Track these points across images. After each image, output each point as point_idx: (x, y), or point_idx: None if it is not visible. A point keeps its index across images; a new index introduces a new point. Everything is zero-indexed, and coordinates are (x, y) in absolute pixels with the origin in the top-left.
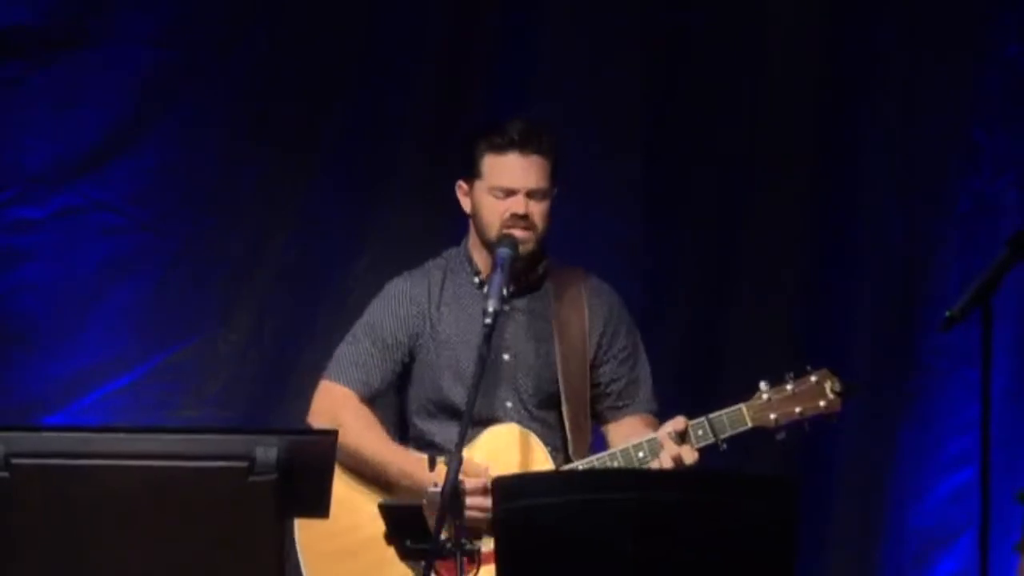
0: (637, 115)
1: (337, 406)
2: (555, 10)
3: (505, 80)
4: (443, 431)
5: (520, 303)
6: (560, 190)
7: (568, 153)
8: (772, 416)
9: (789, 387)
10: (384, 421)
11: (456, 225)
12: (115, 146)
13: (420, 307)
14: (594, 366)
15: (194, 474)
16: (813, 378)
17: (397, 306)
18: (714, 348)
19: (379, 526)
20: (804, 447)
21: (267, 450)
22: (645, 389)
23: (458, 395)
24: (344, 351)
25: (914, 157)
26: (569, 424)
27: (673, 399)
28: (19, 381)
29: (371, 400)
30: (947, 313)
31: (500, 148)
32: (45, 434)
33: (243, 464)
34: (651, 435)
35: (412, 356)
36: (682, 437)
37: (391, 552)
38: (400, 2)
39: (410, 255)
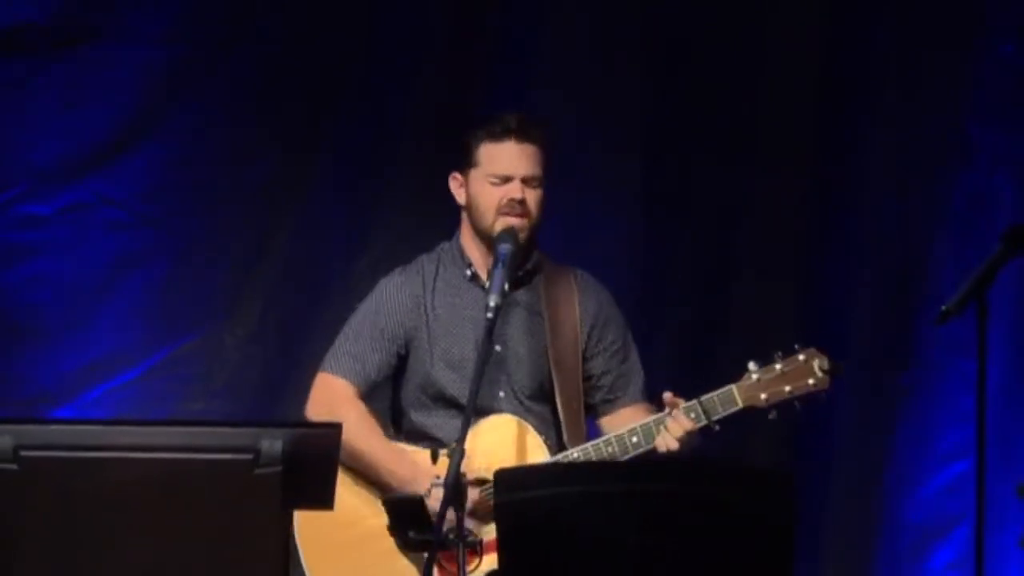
0: (637, 115)
1: (336, 400)
2: (555, 10)
3: (505, 80)
4: (437, 422)
5: (512, 295)
6: (561, 188)
7: (569, 152)
8: (763, 396)
9: (778, 367)
10: (379, 415)
11: (455, 223)
12: (122, 143)
13: (415, 300)
14: (585, 359)
15: (200, 466)
16: (801, 357)
17: (392, 300)
18: (713, 343)
19: (380, 519)
20: (801, 440)
21: (272, 443)
22: (637, 381)
23: (451, 385)
24: (341, 344)
25: (911, 154)
26: (563, 414)
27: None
28: (28, 374)
29: (368, 392)
30: (943, 307)
31: (497, 136)
32: (53, 427)
33: (248, 456)
34: (645, 420)
35: (407, 349)
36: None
37: (392, 544)
38: (401, 2)
39: (411, 252)
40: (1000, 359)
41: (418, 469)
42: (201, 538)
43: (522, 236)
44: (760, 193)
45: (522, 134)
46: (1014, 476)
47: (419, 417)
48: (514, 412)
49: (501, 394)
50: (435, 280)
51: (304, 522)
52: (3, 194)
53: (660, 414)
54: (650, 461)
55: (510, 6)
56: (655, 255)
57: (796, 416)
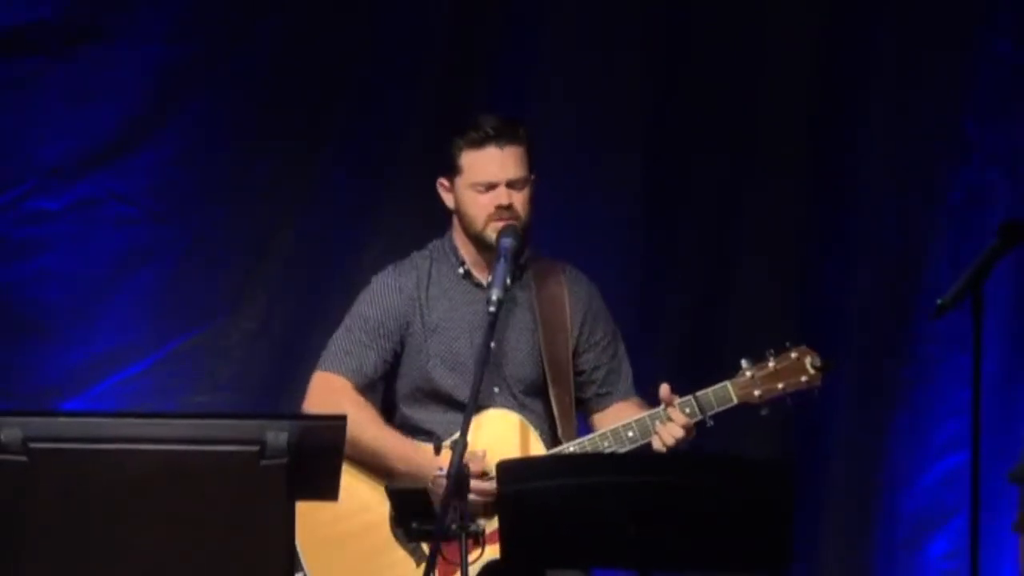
0: (637, 114)
1: (335, 395)
2: (555, 10)
3: (505, 80)
4: (432, 418)
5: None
6: (562, 186)
7: (569, 150)
8: (756, 392)
9: (771, 364)
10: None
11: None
12: (130, 139)
13: (409, 296)
14: (576, 354)
15: (207, 458)
16: (793, 354)
17: (387, 297)
18: (712, 336)
19: (378, 511)
20: (799, 433)
21: (278, 434)
22: (627, 376)
23: (446, 382)
24: (337, 342)
25: (908, 149)
26: (557, 409)
27: (673, 386)
28: (37, 367)
29: (365, 388)
30: (939, 301)
31: (477, 143)
32: (62, 419)
33: (254, 448)
34: (641, 415)
35: (402, 345)
36: (670, 412)
37: (390, 536)
38: (401, 2)
39: (414, 246)
40: (995, 353)
41: (422, 461)
42: (207, 529)
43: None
44: (759, 190)
45: (502, 138)
46: (1008, 468)
47: (412, 412)
48: (509, 407)
49: (496, 389)
50: (429, 277)
51: (301, 512)
52: (13, 190)
53: (656, 409)
54: (650, 453)
55: (510, 6)
56: (655, 252)
57: (788, 412)
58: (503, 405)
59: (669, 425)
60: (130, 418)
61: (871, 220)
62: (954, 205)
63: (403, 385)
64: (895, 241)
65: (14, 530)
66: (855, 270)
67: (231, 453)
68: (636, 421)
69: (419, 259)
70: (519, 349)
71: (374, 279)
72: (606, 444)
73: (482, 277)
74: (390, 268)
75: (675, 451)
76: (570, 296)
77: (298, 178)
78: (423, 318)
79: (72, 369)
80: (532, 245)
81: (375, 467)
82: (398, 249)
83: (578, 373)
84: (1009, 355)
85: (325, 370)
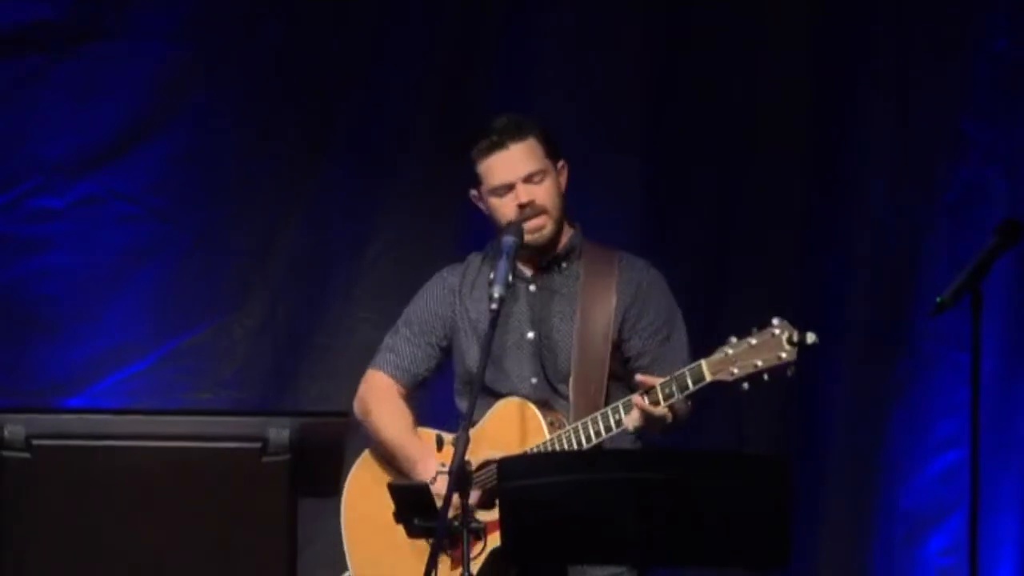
0: (637, 114)
1: (373, 394)
2: (555, 10)
3: (506, 78)
4: (478, 408)
5: (546, 281)
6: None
7: (569, 149)
8: (733, 370)
9: (753, 340)
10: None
11: (460, 217)
12: (133, 138)
13: (454, 294)
14: (622, 340)
15: (209, 454)
16: (775, 330)
17: (432, 293)
18: (712, 334)
19: None
20: (797, 430)
21: (279, 431)
22: (676, 364)
23: (486, 375)
24: (385, 340)
25: (906, 147)
26: (573, 396)
27: None
28: (40, 365)
29: (413, 385)
30: (938, 299)
31: (486, 151)
32: (65, 416)
33: (256, 445)
34: (627, 397)
35: (449, 340)
36: (648, 394)
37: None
38: (404, 2)
39: (415, 245)
40: (993, 350)
41: (425, 456)
42: (210, 525)
43: (543, 234)
44: (759, 189)
45: (508, 138)
46: (1006, 464)
47: (462, 404)
48: (545, 398)
49: (534, 380)
50: (477, 274)
51: (346, 513)
52: (16, 188)
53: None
54: (649, 451)
55: (511, 6)
56: (655, 252)
57: (761, 386)
58: (538, 396)
59: (633, 411)
60: (133, 415)
61: (870, 218)
62: (951, 203)
63: (455, 380)
64: (894, 239)
65: (17, 526)
66: (854, 268)
67: (233, 450)
68: (623, 403)
69: (473, 257)
70: (558, 339)
71: (429, 281)
72: (595, 428)
73: (525, 270)
74: (444, 268)
75: (650, 430)
76: (619, 283)
77: (300, 177)
78: (468, 314)
79: (75, 366)
80: (576, 232)
81: (395, 469)
82: (400, 247)
83: (627, 359)
84: (1007, 353)
85: (372, 368)
